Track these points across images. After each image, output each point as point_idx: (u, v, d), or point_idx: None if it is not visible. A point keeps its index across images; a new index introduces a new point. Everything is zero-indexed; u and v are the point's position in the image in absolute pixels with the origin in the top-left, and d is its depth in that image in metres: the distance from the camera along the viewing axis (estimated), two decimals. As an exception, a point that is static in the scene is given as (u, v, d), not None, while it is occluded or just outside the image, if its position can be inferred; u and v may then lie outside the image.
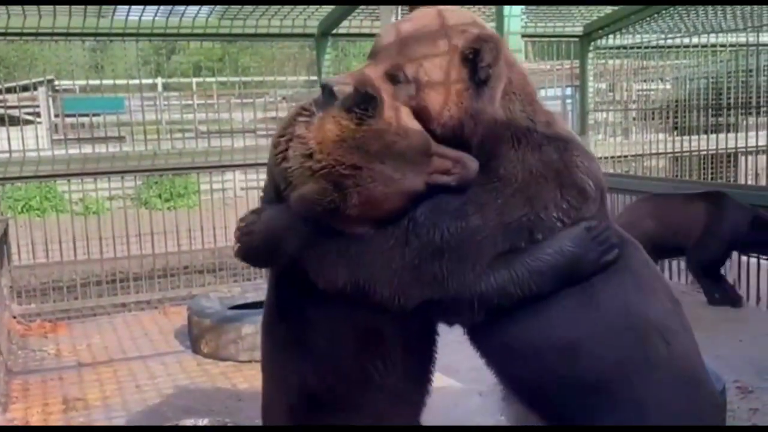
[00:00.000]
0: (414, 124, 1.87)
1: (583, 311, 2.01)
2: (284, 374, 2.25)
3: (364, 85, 1.78)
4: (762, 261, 5.81)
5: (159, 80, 12.59)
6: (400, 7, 5.15)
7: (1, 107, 7.20)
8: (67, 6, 5.59)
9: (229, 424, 3.59)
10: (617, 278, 2.03)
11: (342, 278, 1.93)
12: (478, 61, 1.91)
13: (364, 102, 1.76)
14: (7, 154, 6.30)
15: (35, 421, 4.09)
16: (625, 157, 7.74)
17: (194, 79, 10.96)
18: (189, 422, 3.79)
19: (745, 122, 7.26)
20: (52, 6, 5.54)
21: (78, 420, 4.09)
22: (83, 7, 5.69)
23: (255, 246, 2.05)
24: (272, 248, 2.03)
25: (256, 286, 5.99)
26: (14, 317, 5.91)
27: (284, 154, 1.91)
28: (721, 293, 5.58)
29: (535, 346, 2.03)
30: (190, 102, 10.77)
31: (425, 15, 2.01)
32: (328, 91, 1.84)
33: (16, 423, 4.05)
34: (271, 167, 2.03)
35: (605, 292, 2.02)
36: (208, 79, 9.58)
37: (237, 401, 3.25)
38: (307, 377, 2.16)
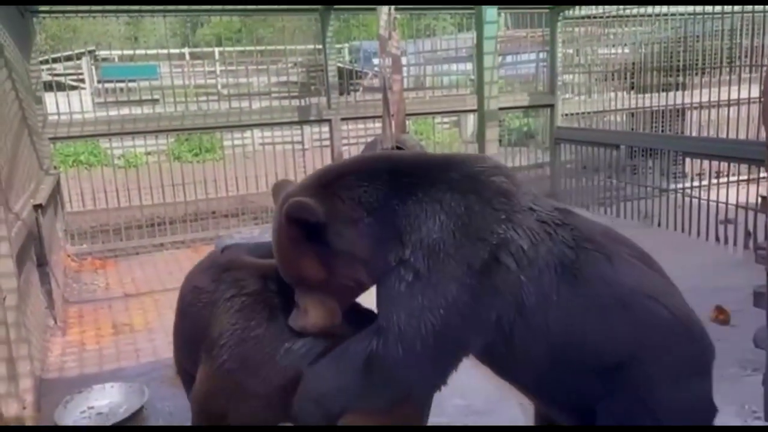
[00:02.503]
0: None
1: (571, 297, 1.74)
2: None
3: None
4: (711, 202, 5.82)
5: (186, 50, 12.38)
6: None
7: (50, 75, 7.10)
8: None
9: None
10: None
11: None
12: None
13: None
14: (57, 117, 6.25)
15: (90, 342, 4.17)
16: (588, 113, 7.67)
17: (216, 49, 10.75)
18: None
19: (691, 81, 7.15)
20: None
21: (126, 341, 4.16)
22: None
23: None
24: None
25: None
26: (69, 256, 5.96)
27: None
28: None
29: (542, 345, 1.76)
30: (213, 69, 10.62)
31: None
32: None
33: (74, 345, 4.13)
34: None
35: (583, 275, 1.77)
36: (228, 49, 9.40)
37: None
38: None
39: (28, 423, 2.97)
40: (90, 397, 3.31)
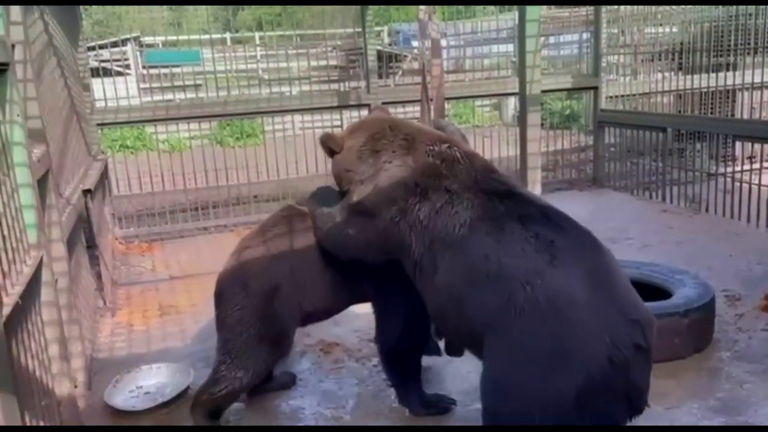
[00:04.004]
0: None
1: (456, 260, 2.26)
2: None
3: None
4: (763, 187, 5.63)
5: (228, 35, 12.51)
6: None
7: (97, 61, 7.24)
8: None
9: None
10: (476, 234, 2.23)
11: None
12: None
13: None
14: (104, 103, 6.39)
15: (138, 323, 4.29)
16: (634, 95, 7.48)
17: (257, 33, 10.83)
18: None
19: (743, 61, 6.90)
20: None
21: (172, 323, 4.26)
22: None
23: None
24: None
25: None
26: (116, 239, 6.11)
27: None
28: None
29: (437, 289, 2.34)
30: (253, 53, 10.67)
31: None
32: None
33: (123, 326, 4.25)
34: None
35: (470, 245, 2.24)
36: (268, 33, 9.43)
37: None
38: None
39: (80, 402, 3.08)
40: (138, 377, 3.42)
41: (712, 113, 7.17)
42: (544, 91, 5.96)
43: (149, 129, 10.42)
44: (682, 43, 7.38)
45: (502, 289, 2.07)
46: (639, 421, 2.16)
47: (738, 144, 6.84)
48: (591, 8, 7.44)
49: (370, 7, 6.82)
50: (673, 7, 7.46)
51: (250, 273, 2.85)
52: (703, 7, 7.22)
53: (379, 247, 2.58)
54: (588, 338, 1.95)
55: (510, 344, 2.05)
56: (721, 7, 6.99)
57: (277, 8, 16.59)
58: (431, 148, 2.51)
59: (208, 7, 8.02)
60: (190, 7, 10.72)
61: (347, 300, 3.05)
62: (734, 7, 6.71)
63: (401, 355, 2.90)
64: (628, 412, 2.08)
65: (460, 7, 8.50)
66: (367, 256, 2.69)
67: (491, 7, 10.08)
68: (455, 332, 2.43)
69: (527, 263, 2.07)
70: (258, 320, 2.81)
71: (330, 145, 2.73)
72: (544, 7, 9.78)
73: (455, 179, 2.39)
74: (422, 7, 5.26)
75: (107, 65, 7.11)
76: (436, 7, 5.42)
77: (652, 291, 3.65)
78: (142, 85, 10.10)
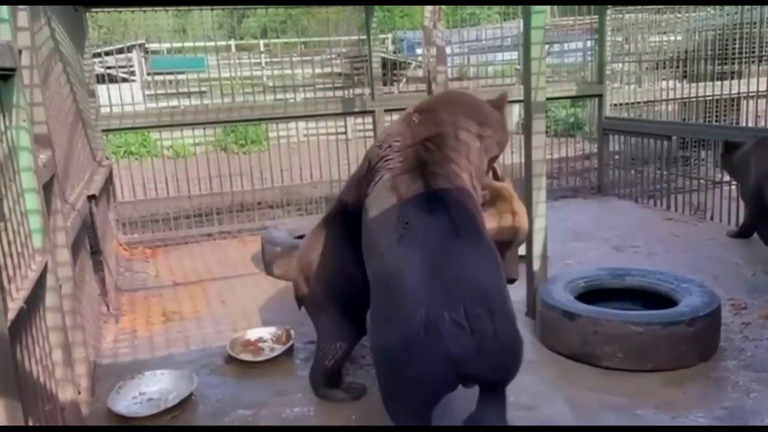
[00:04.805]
0: None
1: (365, 234, 2.72)
2: None
3: None
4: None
5: (232, 42, 12.56)
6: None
7: (102, 68, 7.27)
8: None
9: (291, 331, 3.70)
10: None
11: None
12: None
13: None
14: (109, 109, 6.41)
15: (141, 329, 4.28)
16: (638, 103, 7.48)
17: (261, 41, 10.86)
18: (265, 330, 3.93)
19: (747, 70, 6.89)
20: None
21: (175, 329, 4.26)
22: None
23: None
24: None
25: (317, 219, 6.04)
26: (120, 245, 6.11)
27: None
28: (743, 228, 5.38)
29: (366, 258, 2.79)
30: (258, 60, 10.72)
31: None
32: None
33: (126, 332, 4.24)
34: None
35: (369, 220, 2.70)
36: (273, 41, 9.46)
37: (302, 314, 3.41)
38: None
39: (83, 407, 3.08)
40: (141, 383, 3.41)
41: (716, 121, 7.16)
42: (548, 99, 5.96)
43: (154, 135, 10.46)
44: (686, 52, 7.38)
45: (370, 260, 2.55)
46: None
47: (743, 152, 6.82)
48: (595, 16, 7.45)
49: (375, 14, 6.84)
50: (678, 15, 7.47)
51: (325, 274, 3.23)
52: (708, 15, 7.22)
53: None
54: (407, 308, 2.30)
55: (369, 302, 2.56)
56: (725, 15, 6.99)
57: (282, 15, 16.67)
58: (396, 142, 2.82)
59: (213, 14, 8.04)
60: (195, 14, 10.75)
61: None
62: (739, 15, 6.70)
63: None
64: (454, 376, 2.32)
65: (465, 14, 8.51)
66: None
67: (496, 15, 10.11)
68: None
69: (386, 239, 2.47)
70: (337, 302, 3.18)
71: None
72: (549, 14, 9.80)
73: (398, 166, 2.69)
74: (427, 14, 5.28)
75: (113, 72, 7.14)
76: (441, 14, 5.43)
77: (658, 299, 3.64)
78: (147, 92, 10.15)
